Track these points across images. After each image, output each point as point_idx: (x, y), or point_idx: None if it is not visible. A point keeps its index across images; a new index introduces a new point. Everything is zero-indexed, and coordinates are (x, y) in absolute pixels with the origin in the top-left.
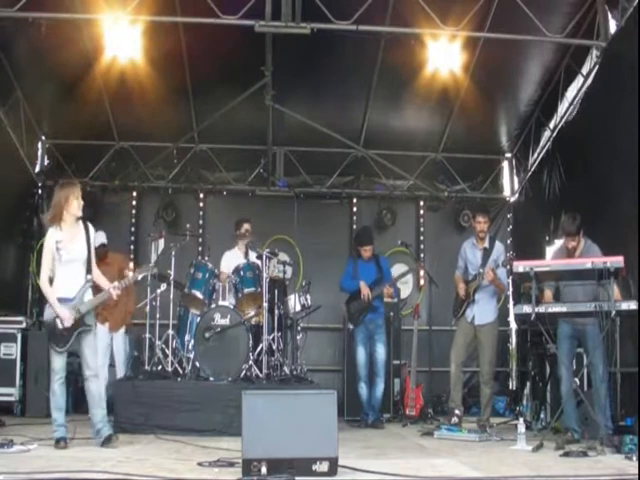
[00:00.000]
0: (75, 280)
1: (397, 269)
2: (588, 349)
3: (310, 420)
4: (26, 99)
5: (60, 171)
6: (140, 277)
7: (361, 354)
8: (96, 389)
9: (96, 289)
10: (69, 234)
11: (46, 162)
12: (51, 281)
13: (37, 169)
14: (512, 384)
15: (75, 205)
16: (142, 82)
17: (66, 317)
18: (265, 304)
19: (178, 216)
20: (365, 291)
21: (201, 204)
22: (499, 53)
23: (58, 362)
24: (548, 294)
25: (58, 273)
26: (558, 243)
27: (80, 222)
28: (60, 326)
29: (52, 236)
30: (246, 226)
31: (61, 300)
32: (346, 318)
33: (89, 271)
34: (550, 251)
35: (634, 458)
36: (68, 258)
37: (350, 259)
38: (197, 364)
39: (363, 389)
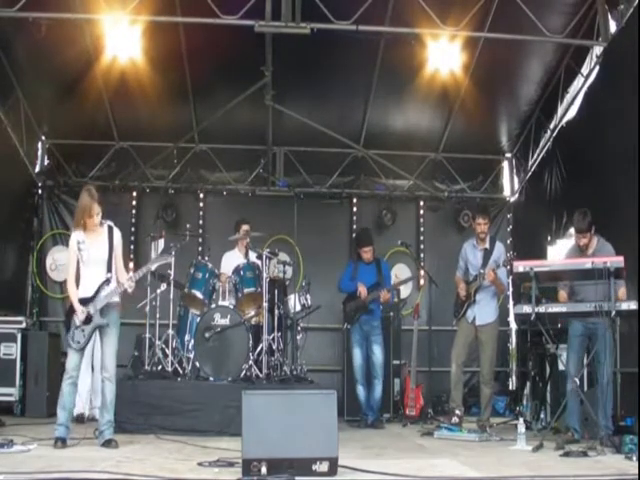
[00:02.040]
0: (95, 281)
1: (397, 269)
2: (597, 348)
3: (310, 420)
4: (26, 99)
5: (60, 171)
6: (155, 266)
7: (357, 356)
8: (110, 393)
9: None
10: (91, 237)
11: (46, 162)
12: (78, 282)
13: (37, 169)
14: (512, 384)
15: (94, 214)
16: (142, 82)
17: (78, 310)
18: (265, 304)
19: (178, 216)
20: (362, 290)
21: (201, 204)
22: (499, 53)
23: (72, 361)
24: (563, 295)
25: (82, 273)
26: (560, 243)
27: (105, 226)
28: (77, 322)
29: (74, 237)
30: (245, 227)
31: (81, 301)
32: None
33: (109, 270)
34: (552, 251)
35: (634, 458)
36: (88, 259)
37: (350, 261)
38: (197, 364)
39: (361, 391)
